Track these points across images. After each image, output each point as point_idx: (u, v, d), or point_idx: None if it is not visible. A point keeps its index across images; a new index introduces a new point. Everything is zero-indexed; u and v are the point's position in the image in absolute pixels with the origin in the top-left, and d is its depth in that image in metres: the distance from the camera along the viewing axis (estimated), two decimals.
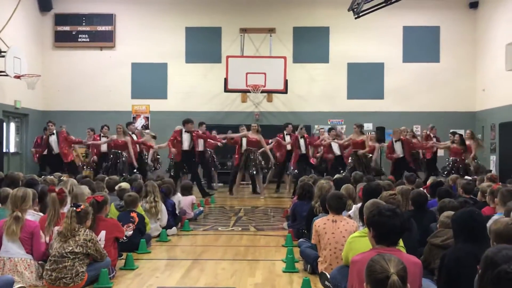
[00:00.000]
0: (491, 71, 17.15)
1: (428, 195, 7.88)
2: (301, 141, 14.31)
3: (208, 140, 14.96)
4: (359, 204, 6.50)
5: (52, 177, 9.58)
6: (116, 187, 8.54)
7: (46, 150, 14.43)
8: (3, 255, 5.34)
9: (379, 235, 3.73)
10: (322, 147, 15.12)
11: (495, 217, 5.22)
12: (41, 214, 6.18)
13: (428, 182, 9.83)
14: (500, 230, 3.58)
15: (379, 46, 18.43)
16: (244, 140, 14.24)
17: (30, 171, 15.34)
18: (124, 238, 6.72)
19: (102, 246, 5.77)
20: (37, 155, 14.81)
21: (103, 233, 6.03)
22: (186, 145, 13.61)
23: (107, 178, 9.71)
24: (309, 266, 6.07)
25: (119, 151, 13.72)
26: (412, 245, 4.93)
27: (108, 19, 18.69)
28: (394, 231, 3.71)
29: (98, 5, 18.68)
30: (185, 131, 13.68)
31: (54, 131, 14.44)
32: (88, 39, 18.73)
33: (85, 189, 7.10)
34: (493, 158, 16.86)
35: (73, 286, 5.22)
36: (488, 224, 4.21)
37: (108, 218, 6.56)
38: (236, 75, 16.87)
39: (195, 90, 18.49)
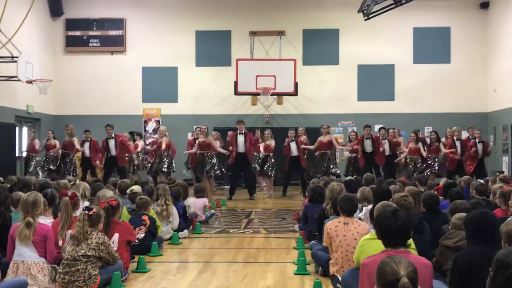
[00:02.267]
0: (502, 72, 17.04)
1: (442, 197, 7.85)
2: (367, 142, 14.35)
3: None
4: (370, 206, 6.49)
5: (65, 181, 9.63)
6: (128, 191, 8.62)
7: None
8: (17, 259, 5.39)
9: (381, 237, 3.73)
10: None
11: (510, 219, 5.18)
12: (53, 219, 6.22)
13: (441, 183, 9.78)
14: (511, 232, 3.56)
15: (389, 47, 18.38)
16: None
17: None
18: (136, 241, 6.77)
19: (115, 249, 5.81)
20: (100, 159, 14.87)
21: (116, 236, 6.09)
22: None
23: (119, 181, 9.77)
24: (320, 268, 6.07)
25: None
26: (424, 246, 4.91)
27: (119, 23, 18.82)
28: (392, 233, 3.68)
29: (109, 10, 18.82)
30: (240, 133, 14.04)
31: (113, 135, 14.53)
32: (99, 44, 18.87)
33: (109, 192, 7.16)
34: (506, 159, 16.73)
35: None
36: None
37: (121, 221, 6.61)
38: (246, 78, 16.89)
39: (205, 93, 18.54)
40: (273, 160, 14.49)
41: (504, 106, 16.83)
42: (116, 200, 6.39)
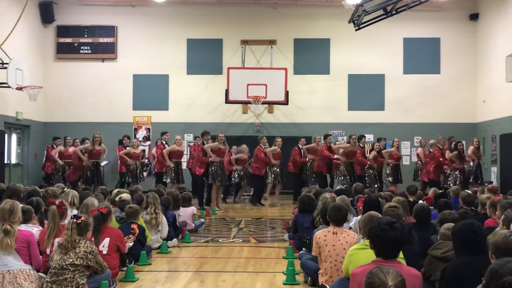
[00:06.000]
0: (491, 83, 17.18)
1: (432, 206, 7.87)
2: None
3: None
4: (360, 216, 6.49)
5: (54, 188, 9.52)
6: (117, 198, 8.52)
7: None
8: (2, 269, 5.27)
9: (377, 247, 3.74)
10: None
11: (497, 229, 5.20)
12: (40, 227, 6.18)
13: (430, 193, 9.79)
14: (498, 242, 3.57)
15: (379, 57, 18.49)
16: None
17: (31, 183, 15.37)
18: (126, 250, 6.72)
19: (106, 252, 5.78)
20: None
21: (107, 240, 6.04)
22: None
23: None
24: (309, 278, 6.06)
25: None
26: (413, 257, 4.92)
27: (110, 31, 18.79)
28: (390, 244, 3.70)
29: (100, 17, 18.79)
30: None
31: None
32: (90, 51, 18.81)
33: (95, 201, 7.12)
34: (494, 170, 16.84)
35: None
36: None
37: (114, 227, 6.57)
38: (237, 87, 16.92)
39: (196, 101, 18.53)
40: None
41: (493, 116, 16.96)
42: (106, 207, 6.36)
